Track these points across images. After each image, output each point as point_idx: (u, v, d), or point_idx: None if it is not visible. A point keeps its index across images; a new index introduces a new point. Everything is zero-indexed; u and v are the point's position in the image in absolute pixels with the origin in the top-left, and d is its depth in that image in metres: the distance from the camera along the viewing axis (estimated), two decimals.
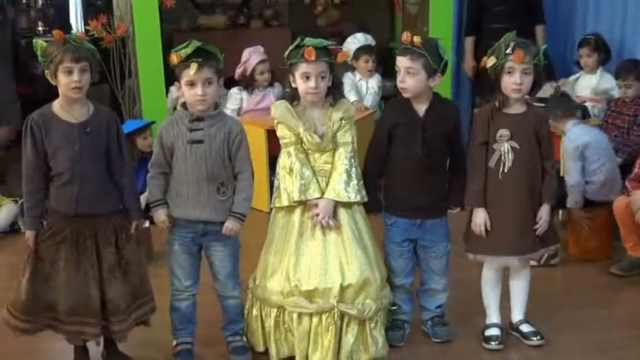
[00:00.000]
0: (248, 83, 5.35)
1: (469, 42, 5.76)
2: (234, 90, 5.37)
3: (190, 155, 2.93)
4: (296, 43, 3.02)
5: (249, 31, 7.01)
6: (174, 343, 3.15)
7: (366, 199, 3.10)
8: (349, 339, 3.03)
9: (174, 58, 2.89)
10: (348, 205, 3.06)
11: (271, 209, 3.19)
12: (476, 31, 5.70)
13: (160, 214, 3.00)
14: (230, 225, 2.99)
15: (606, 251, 4.18)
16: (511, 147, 3.06)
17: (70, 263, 2.85)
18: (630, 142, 4.37)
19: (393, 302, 3.23)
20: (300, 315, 3.02)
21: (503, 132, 3.07)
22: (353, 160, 3.06)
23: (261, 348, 3.16)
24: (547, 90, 4.82)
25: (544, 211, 3.13)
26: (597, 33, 5.06)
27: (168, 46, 5.12)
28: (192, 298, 3.11)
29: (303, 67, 2.97)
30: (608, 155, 4.10)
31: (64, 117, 2.81)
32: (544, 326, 3.32)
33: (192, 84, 2.89)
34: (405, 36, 3.08)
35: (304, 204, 3.04)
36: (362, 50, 5.49)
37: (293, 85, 3.05)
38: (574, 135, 4.01)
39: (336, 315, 2.99)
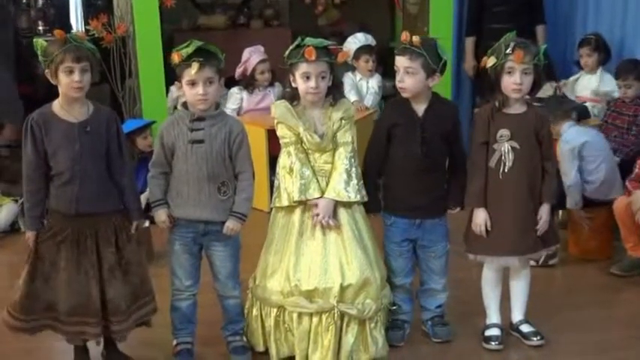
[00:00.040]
0: (248, 83, 5.35)
1: (470, 42, 5.75)
2: (235, 90, 5.37)
3: (191, 155, 2.93)
4: (296, 42, 3.02)
5: (250, 31, 7.01)
6: (175, 342, 3.15)
7: (366, 199, 3.10)
8: (349, 339, 3.03)
9: (175, 58, 2.90)
10: (348, 205, 3.06)
11: (271, 209, 3.19)
12: (476, 31, 5.69)
13: (161, 214, 3.00)
14: (231, 225, 2.99)
15: (606, 251, 4.18)
16: (511, 147, 3.06)
17: (71, 263, 2.85)
18: (628, 142, 4.38)
19: (393, 302, 3.23)
20: (300, 315, 3.02)
21: (504, 132, 3.07)
22: (353, 160, 3.06)
23: (261, 348, 3.16)
24: (547, 90, 4.82)
25: (544, 211, 3.13)
26: (597, 33, 5.06)
27: (168, 46, 5.13)
28: (192, 298, 3.11)
29: (303, 67, 2.97)
30: (606, 154, 4.11)
31: (64, 116, 2.81)
32: (544, 326, 3.32)
33: (193, 83, 2.89)
34: (404, 36, 3.09)
35: (304, 204, 3.04)
36: (362, 50, 5.49)
37: (293, 84, 3.05)
38: (570, 136, 4.01)
39: (336, 315, 2.99)
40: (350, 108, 3.13)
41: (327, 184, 3.05)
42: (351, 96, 5.18)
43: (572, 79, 5.13)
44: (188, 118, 2.96)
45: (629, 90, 4.46)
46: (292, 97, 3.08)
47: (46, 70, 2.79)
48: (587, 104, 4.87)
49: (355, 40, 5.56)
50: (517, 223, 3.11)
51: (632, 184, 3.81)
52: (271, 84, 5.38)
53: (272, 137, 4.17)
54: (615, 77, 4.63)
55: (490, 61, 3.06)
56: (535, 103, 3.24)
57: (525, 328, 3.30)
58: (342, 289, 2.99)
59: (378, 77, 5.56)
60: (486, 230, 3.12)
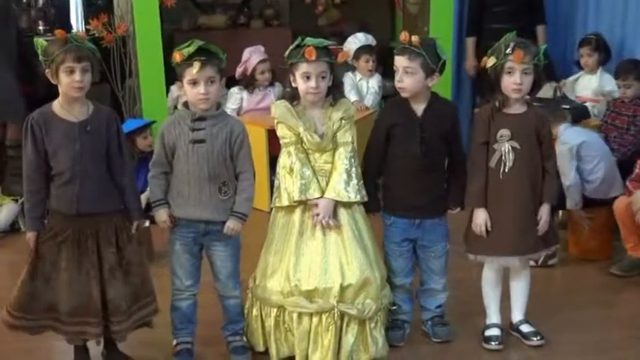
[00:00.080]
0: (248, 83, 5.35)
1: (470, 42, 5.75)
2: (235, 89, 5.37)
3: (192, 155, 2.94)
4: (296, 42, 3.02)
5: (250, 31, 7.01)
6: (175, 342, 3.15)
7: (366, 199, 3.10)
8: (349, 339, 3.03)
9: (177, 57, 2.90)
10: (348, 205, 3.06)
11: (271, 209, 3.19)
12: (477, 31, 5.69)
13: (162, 214, 3.00)
14: (231, 225, 2.99)
15: (606, 251, 4.18)
16: (512, 147, 3.06)
17: (72, 263, 2.85)
18: (625, 142, 4.38)
19: (393, 302, 3.23)
20: (300, 315, 3.02)
21: (504, 132, 3.07)
22: (353, 160, 3.07)
23: (261, 348, 3.16)
24: (547, 90, 4.82)
25: (544, 211, 3.13)
26: (598, 33, 5.05)
27: (168, 46, 5.14)
28: (192, 298, 3.11)
29: (303, 67, 2.97)
30: (604, 153, 4.11)
31: (64, 116, 2.81)
32: (544, 326, 3.32)
33: (194, 83, 2.89)
34: (404, 35, 3.09)
35: (304, 204, 3.04)
36: (362, 50, 5.48)
37: (293, 84, 3.05)
38: (567, 137, 4.01)
39: (336, 315, 2.99)
40: (350, 108, 3.13)
41: (327, 184, 3.05)
42: (351, 96, 5.18)
43: (571, 79, 5.12)
44: (189, 118, 2.96)
45: (628, 90, 4.46)
46: (292, 97, 3.08)
47: (47, 70, 2.79)
48: (587, 104, 4.87)
49: (355, 40, 5.56)
50: (517, 224, 3.11)
51: (633, 184, 3.81)
52: (271, 84, 5.38)
53: (272, 137, 4.17)
54: (615, 77, 4.63)
55: (490, 61, 3.07)
56: (535, 103, 3.24)
57: (525, 328, 3.30)
58: (342, 289, 2.99)
59: (378, 77, 5.56)
60: (486, 230, 3.12)
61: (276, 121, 3.10)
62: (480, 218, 3.12)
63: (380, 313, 3.10)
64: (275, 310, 3.07)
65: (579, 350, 3.25)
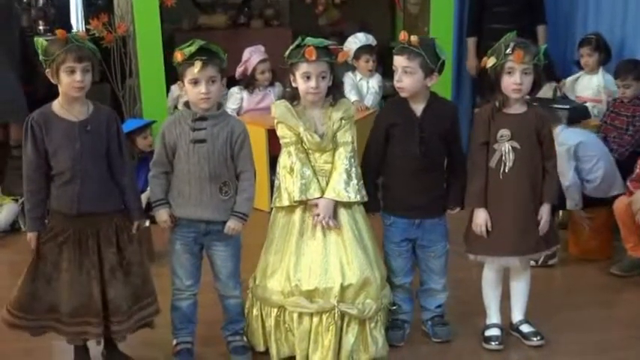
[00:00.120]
0: (249, 83, 5.35)
1: (471, 42, 5.75)
2: (235, 89, 5.37)
3: (193, 154, 2.94)
4: (297, 42, 3.02)
5: (250, 31, 7.01)
6: (175, 342, 3.15)
7: (366, 199, 3.10)
8: (349, 339, 3.03)
9: (178, 56, 2.90)
10: (348, 205, 3.06)
11: (271, 209, 3.19)
12: (477, 31, 5.69)
13: (162, 214, 3.00)
14: (232, 224, 2.99)
15: (606, 251, 4.18)
16: (512, 147, 3.06)
17: (73, 264, 2.85)
18: (624, 142, 4.37)
19: (393, 302, 3.23)
20: (300, 315, 3.02)
21: (504, 132, 3.07)
22: (353, 160, 3.07)
23: (261, 348, 3.16)
24: (547, 90, 4.82)
25: (545, 211, 3.13)
26: (598, 33, 5.05)
27: (168, 46, 5.14)
28: (193, 298, 3.11)
29: (303, 67, 2.97)
30: (602, 152, 4.11)
31: (64, 116, 2.81)
32: (544, 326, 3.32)
33: (196, 82, 2.89)
34: (403, 35, 3.09)
35: (305, 204, 3.04)
36: (363, 50, 5.48)
37: (293, 84, 3.05)
38: (564, 138, 4.00)
39: (336, 315, 2.99)
40: (350, 108, 3.13)
41: (327, 184, 3.05)
42: (351, 96, 5.18)
43: (571, 79, 5.12)
44: (190, 118, 2.96)
45: (627, 90, 4.46)
46: (292, 96, 3.09)
47: (47, 70, 2.79)
48: (588, 104, 4.86)
49: (355, 40, 5.56)
50: (517, 224, 3.12)
51: (633, 184, 3.81)
52: (271, 84, 5.38)
53: (272, 137, 4.17)
54: (614, 77, 4.63)
55: (490, 62, 3.07)
56: (534, 104, 3.24)
57: (525, 328, 3.30)
58: (343, 289, 2.99)
59: (378, 77, 5.56)
60: (487, 230, 3.12)
61: (276, 121, 3.10)
62: (481, 218, 3.12)
63: (380, 313, 3.10)
64: (275, 310, 3.07)
65: (579, 350, 3.25)
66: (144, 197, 3.69)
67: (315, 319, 3.01)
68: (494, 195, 3.11)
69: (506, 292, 3.34)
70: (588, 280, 3.96)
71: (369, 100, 5.44)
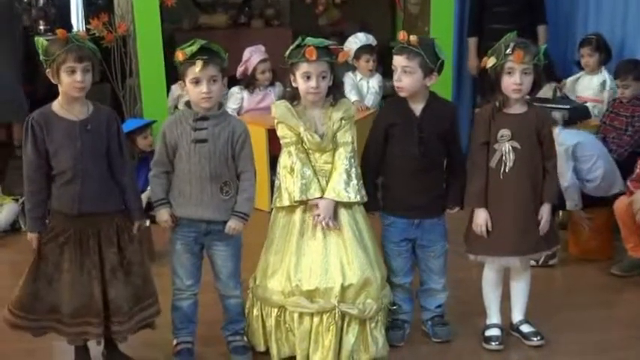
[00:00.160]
0: (249, 82, 5.35)
1: (472, 42, 5.75)
2: (235, 89, 5.36)
3: (194, 154, 2.94)
4: (297, 42, 3.02)
5: (250, 31, 7.01)
6: (175, 342, 3.15)
7: (366, 199, 3.10)
8: (350, 339, 3.03)
9: (179, 56, 2.90)
10: (348, 205, 3.06)
11: (272, 209, 3.19)
12: (478, 31, 5.69)
13: (163, 214, 3.00)
14: (233, 224, 2.99)
15: (607, 252, 4.18)
16: (512, 147, 3.07)
17: (74, 264, 2.84)
18: (622, 143, 4.37)
19: (393, 302, 3.23)
20: (301, 315, 3.02)
21: (505, 132, 3.07)
22: (353, 160, 3.06)
23: (262, 348, 3.16)
24: (547, 91, 4.82)
25: (545, 211, 3.13)
26: (598, 33, 5.05)
27: (169, 46, 5.15)
28: (193, 298, 3.11)
29: (304, 67, 2.97)
30: (600, 152, 4.11)
31: (64, 115, 2.81)
32: (544, 326, 3.32)
33: (197, 81, 2.90)
34: (402, 35, 3.09)
35: (305, 204, 3.04)
36: (363, 50, 5.48)
37: (294, 84, 3.05)
38: (562, 139, 4.00)
39: (337, 315, 2.99)
40: (350, 108, 3.13)
41: (327, 184, 3.05)
42: (351, 96, 5.18)
43: (571, 79, 5.12)
44: (191, 118, 2.96)
45: (626, 90, 4.46)
46: (293, 96, 3.09)
47: (47, 70, 2.79)
48: (588, 104, 4.86)
49: (356, 40, 5.56)
50: (518, 224, 3.12)
51: (634, 184, 3.81)
52: (272, 84, 5.38)
53: (272, 137, 4.17)
54: (614, 77, 4.63)
55: (490, 62, 3.07)
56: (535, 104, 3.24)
57: (525, 329, 3.30)
58: (343, 289, 2.99)
59: (378, 77, 5.56)
60: (487, 230, 3.12)
61: (276, 121, 3.10)
62: (481, 218, 3.12)
63: (381, 313, 3.10)
64: (276, 310, 3.07)
65: (579, 350, 3.25)
66: (144, 197, 3.69)
67: (316, 319, 3.01)
68: (494, 195, 3.11)
69: (506, 292, 3.34)
70: (588, 280, 3.96)
71: (370, 100, 5.44)
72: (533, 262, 3.47)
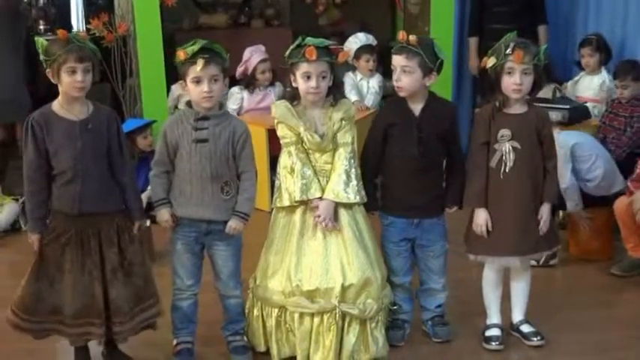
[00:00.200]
0: (249, 82, 5.35)
1: (473, 42, 5.75)
2: (235, 89, 5.36)
3: (195, 154, 2.94)
4: (297, 42, 3.02)
5: (251, 31, 7.02)
6: (175, 342, 3.15)
7: (365, 200, 3.10)
8: (351, 339, 3.03)
9: (181, 55, 2.90)
10: (348, 206, 3.06)
11: (272, 209, 3.19)
12: (478, 31, 5.69)
13: (164, 214, 3.00)
14: (234, 224, 2.99)
15: (607, 252, 4.18)
16: (512, 147, 3.07)
17: (75, 265, 2.84)
18: (621, 144, 4.37)
19: (393, 302, 3.23)
20: (301, 315, 3.02)
21: (505, 132, 3.07)
22: (352, 161, 3.06)
23: (262, 348, 3.16)
24: (546, 92, 4.81)
25: (545, 211, 3.13)
26: (599, 33, 5.05)
27: (169, 45, 5.15)
28: (193, 298, 3.11)
29: (304, 67, 2.97)
30: (598, 151, 4.11)
31: (64, 115, 2.81)
32: (544, 326, 3.32)
33: (198, 81, 2.90)
34: (401, 35, 3.09)
35: (305, 204, 3.04)
36: (363, 50, 5.49)
37: (294, 84, 3.05)
38: (560, 140, 4.00)
39: (337, 315, 2.99)
40: (350, 108, 3.13)
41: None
42: (351, 96, 5.18)
43: (571, 82, 5.12)
44: (192, 117, 2.96)
45: (625, 91, 4.46)
46: (293, 96, 3.08)
47: (48, 70, 2.79)
48: (589, 104, 4.86)
49: (356, 40, 5.56)
50: (518, 224, 3.12)
51: (634, 184, 3.81)
52: (272, 84, 5.38)
53: (272, 137, 4.16)
54: (613, 77, 4.63)
55: (490, 62, 3.07)
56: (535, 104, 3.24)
57: (525, 329, 3.30)
58: (344, 289, 2.99)
59: (378, 77, 5.56)
60: (487, 230, 3.12)
61: (276, 121, 3.10)
62: (481, 218, 3.12)
63: (381, 313, 3.10)
64: (276, 310, 3.07)
65: (579, 350, 3.25)
66: (144, 197, 3.69)
67: (316, 320, 3.01)
68: (494, 195, 3.11)
69: (506, 292, 3.34)
70: (589, 281, 3.96)
71: (370, 100, 5.45)
72: (533, 262, 3.47)
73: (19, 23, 5.56)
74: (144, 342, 3.17)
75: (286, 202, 3.06)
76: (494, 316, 3.31)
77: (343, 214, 3.05)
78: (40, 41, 2.81)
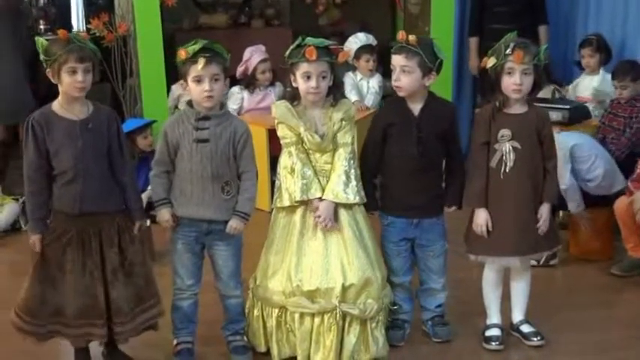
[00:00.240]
0: (249, 82, 5.35)
1: (473, 42, 5.75)
2: (235, 89, 5.36)
3: (196, 154, 2.94)
4: (297, 42, 3.02)
5: (251, 31, 7.02)
6: (175, 342, 3.16)
7: (365, 200, 3.10)
8: (351, 339, 3.03)
9: (182, 54, 2.90)
10: (348, 206, 3.06)
11: (272, 209, 3.19)
12: (479, 31, 5.69)
13: (164, 214, 3.00)
14: (234, 224, 2.99)
15: (607, 252, 4.18)
16: (512, 147, 3.07)
17: (76, 265, 2.84)
18: (620, 144, 4.37)
19: (393, 302, 3.23)
20: (302, 315, 3.02)
21: (505, 132, 3.07)
22: (352, 162, 3.06)
23: (262, 348, 3.16)
24: (546, 93, 4.81)
25: (544, 210, 3.13)
26: (599, 33, 5.05)
27: (169, 45, 5.15)
28: (194, 297, 3.11)
29: (304, 67, 2.97)
30: (597, 151, 4.11)
31: (65, 115, 2.81)
32: (544, 326, 3.32)
33: (199, 80, 2.90)
34: (401, 35, 3.09)
35: (305, 204, 3.04)
36: (363, 50, 5.49)
37: (294, 84, 3.05)
38: (559, 141, 3.99)
39: (338, 315, 2.99)
40: (350, 108, 3.13)
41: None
42: (351, 96, 5.18)
43: (572, 85, 5.12)
44: (193, 117, 2.96)
45: (624, 91, 4.45)
46: (293, 96, 3.08)
47: (48, 70, 2.79)
48: (589, 104, 4.86)
49: (356, 40, 5.56)
50: (518, 224, 3.12)
51: (634, 184, 3.81)
52: (272, 84, 5.38)
53: (273, 137, 4.17)
54: (612, 78, 4.62)
55: (490, 62, 3.07)
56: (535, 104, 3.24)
57: (526, 329, 3.30)
58: (344, 289, 2.99)
59: (378, 77, 5.56)
60: (487, 230, 3.13)
61: (276, 121, 3.10)
62: (481, 218, 3.12)
63: (381, 313, 3.10)
64: (276, 310, 3.07)
65: (579, 350, 3.25)
66: (144, 197, 3.69)
67: (317, 320, 3.01)
68: (494, 195, 3.11)
69: (506, 292, 3.34)
70: (589, 281, 3.96)
71: (370, 100, 5.45)
72: (534, 262, 3.47)
73: (20, 22, 5.56)
74: (144, 342, 3.17)
75: (286, 202, 3.06)
76: (494, 316, 3.31)
77: (343, 214, 3.05)
78: (41, 41, 2.82)
